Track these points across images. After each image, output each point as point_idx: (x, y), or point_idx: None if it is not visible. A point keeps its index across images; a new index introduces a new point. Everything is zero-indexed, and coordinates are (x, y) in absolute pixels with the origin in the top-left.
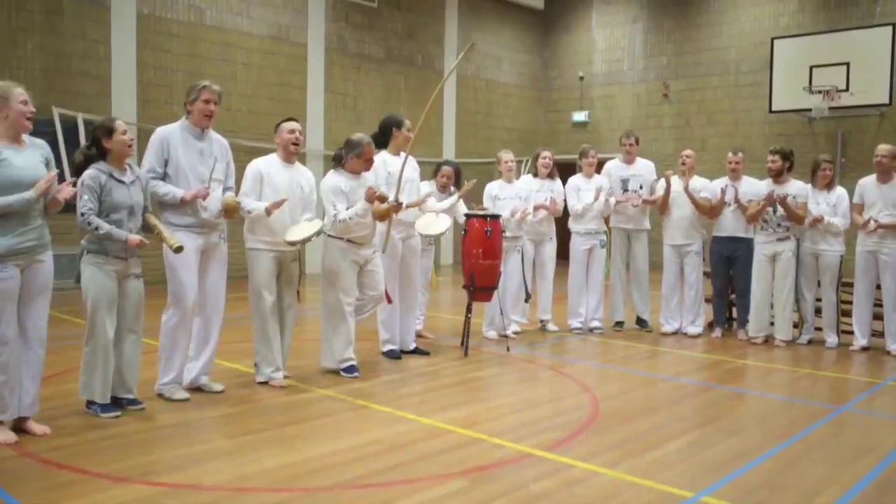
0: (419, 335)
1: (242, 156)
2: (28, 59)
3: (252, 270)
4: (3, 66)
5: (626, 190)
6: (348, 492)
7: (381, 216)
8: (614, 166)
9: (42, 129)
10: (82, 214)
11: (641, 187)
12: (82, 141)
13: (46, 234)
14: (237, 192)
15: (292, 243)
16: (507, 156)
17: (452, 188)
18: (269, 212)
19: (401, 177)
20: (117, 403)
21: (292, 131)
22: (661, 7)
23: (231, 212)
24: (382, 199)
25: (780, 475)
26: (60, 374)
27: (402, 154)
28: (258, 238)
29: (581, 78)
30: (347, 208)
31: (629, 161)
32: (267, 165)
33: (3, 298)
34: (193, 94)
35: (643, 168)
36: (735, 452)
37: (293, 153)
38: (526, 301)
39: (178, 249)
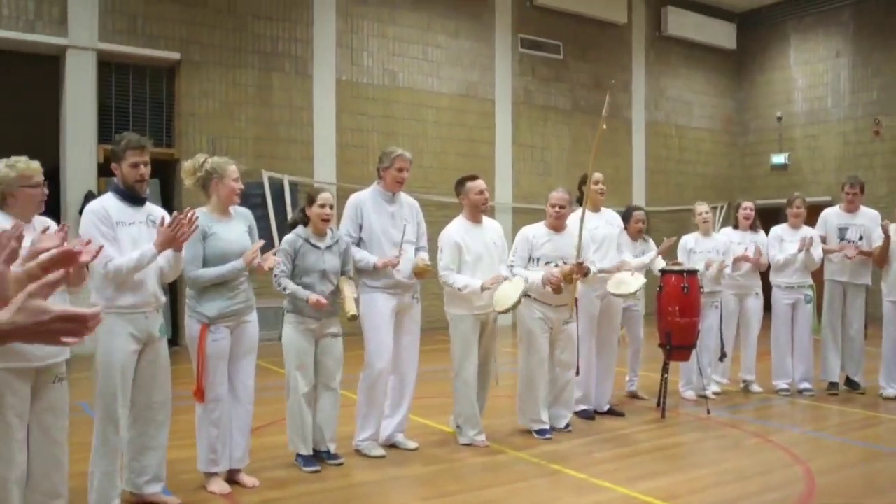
0: (634, 396)
1: (434, 210)
2: (242, 129)
3: (454, 336)
4: (221, 136)
5: (842, 239)
6: None
7: (565, 277)
8: (833, 213)
9: (253, 191)
10: (275, 276)
11: (861, 238)
12: (288, 201)
13: (252, 297)
14: (431, 256)
15: (503, 312)
16: (701, 207)
17: (645, 236)
18: (484, 288)
19: (580, 234)
20: (318, 457)
21: (481, 192)
22: (867, 39)
23: (422, 274)
24: (558, 290)
25: None
26: (267, 426)
27: (602, 210)
28: (459, 304)
29: (779, 118)
30: (531, 258)
31: (851, 209)
32: (460, 232)
33: (216, 358)
34: (387, 162)
35: (866, 217)
36: None
37: (483, 212)
38: (721, 360)
39: (352, 318)
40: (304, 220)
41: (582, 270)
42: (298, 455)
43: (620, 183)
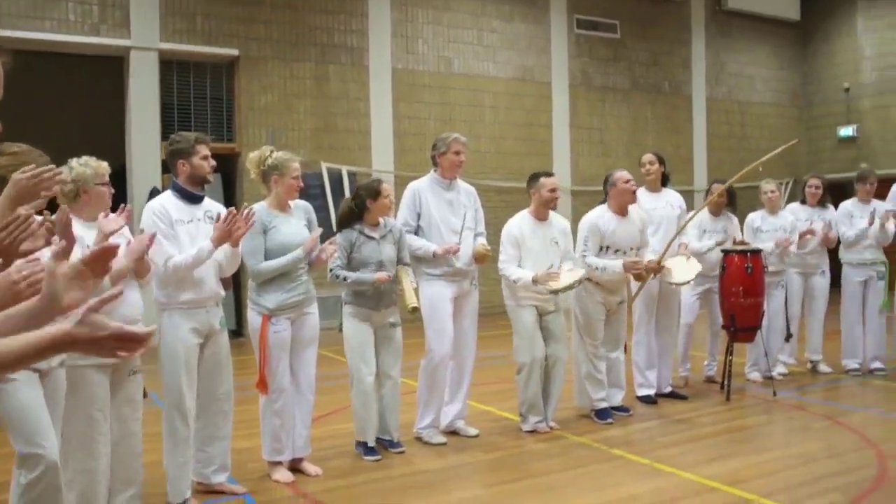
0: (712, 380)
1: (492, 196)
2: (301, 121)
3: (514, 326)
4: (281, 128)
5: None
6: None
7: (640, 279)
8: None
9: (312, 182)
10: (331, 270)
11: None
12: (346, 191)
13: (312, 289)
14: (490, 242)
15: (553, 291)
16: (768, 186)
17: (728, 212)
18: (535, 281)
19: (678, 232)
20: (381, 445)
21: (553, 190)
22: None
23: (482, 259)
24: (639, 277)
25: None
26: (330, 415)
27: (663, 191)
28: (517, 294)
29: (847, 90)
30: (607, 248)
31: None
32: (522, 227)
33: (278, 349)
34: (443, 147)
35: None
36: None
37: (552, 209)
38: (787, 340)
39: (413, 310)
40: (359, 215)
41: (658, 270)
42: (359, 444)
43: (682, 161)
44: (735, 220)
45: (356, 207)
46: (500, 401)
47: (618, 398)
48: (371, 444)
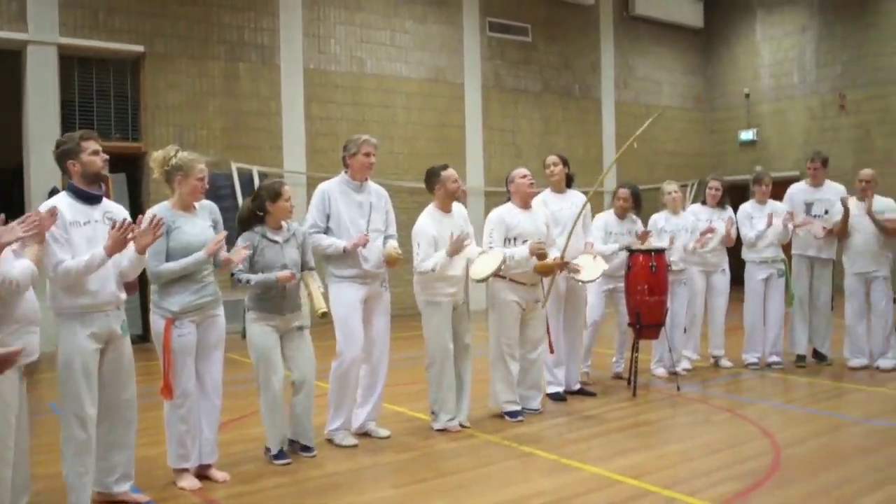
0: (619, 376)
1: (405, 197)
2: (210, 119)
3: (427, 323)
4: (190, 127)
5: (808, 214)
6: None
7: (544, 272)
8: (799, 189)
9: (221, 182)
10: (232, 274)
11: (827, 212)
12: None
13: (217, 291)
14: (403, 246)
15: (481, 280)
16: (669, 187)
17: (633, 215)
18: (450, 254)
19: (572, 230)
20: (292, 449)
21: (456, 181)
22: (832, 12)
23: (393, 263)
24: (543, 256)
25: None
26: (239, 420)
27: (568, 192)
28: (434, 291)
29: (747, 95)
30: (514, 239)
31: (815, 184)
32: (435, 225)
33: (183, 353)
34: (353, 148)
35: (831, 191)
36: None
37: (457, 200)
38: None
39: (323, 315)
40: (261, 217)
41: (563, 267)
42: (268, 449)
43: (591, 163)
44: (639, 222)
45: (257, 209)
46: (412, 401)
47: (536, 402)
48: (280, 450)
